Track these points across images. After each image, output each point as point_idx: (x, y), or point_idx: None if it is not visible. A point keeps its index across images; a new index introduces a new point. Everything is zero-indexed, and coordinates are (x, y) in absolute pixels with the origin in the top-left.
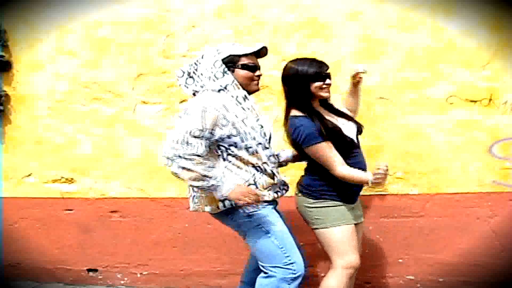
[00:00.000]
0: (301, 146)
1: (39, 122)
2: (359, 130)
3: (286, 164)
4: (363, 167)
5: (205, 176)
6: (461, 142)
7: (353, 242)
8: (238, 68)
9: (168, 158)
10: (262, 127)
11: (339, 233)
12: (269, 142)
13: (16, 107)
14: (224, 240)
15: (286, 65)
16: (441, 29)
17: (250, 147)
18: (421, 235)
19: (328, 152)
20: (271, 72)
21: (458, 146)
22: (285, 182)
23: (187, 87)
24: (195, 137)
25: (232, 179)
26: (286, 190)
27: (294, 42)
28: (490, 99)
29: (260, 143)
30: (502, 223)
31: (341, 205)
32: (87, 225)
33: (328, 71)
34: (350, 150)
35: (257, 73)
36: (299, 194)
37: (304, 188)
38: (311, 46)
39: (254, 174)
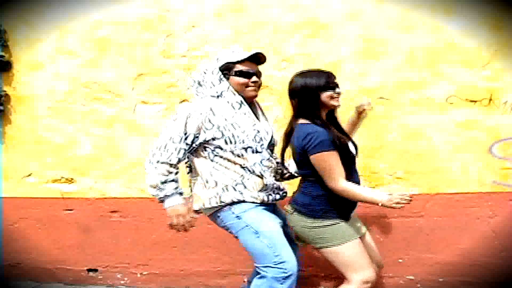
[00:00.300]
0: (307, 153)
1: (39, 122)
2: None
3: (290, 178)
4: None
5: (159, 188)
6: (461, 142)
7: (365, 255)
8: (233, 75)
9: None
10: (258, 131)
11: (348, 250)
12: (269, 148)
13: (16, 107)
14: (224, 240)
15: (292, 79)
16: (441, 29)
17: (235, 150)
18: (421, 235)
19: (336, 162)
20: (271, 72)
21: (458, 146)
22: (279, 187)
23: (197, 95)
24: (174, 142)
25: (221, 179)
26: (281, 195)
27: (294, 42)
28: (490, 99)
29: (249, 147)
30: (502, 223)
31: (339, 222)
32: (87, 225)
33: (336, 81)
34: (350, 166)
35: (253, 79)
36: (294, 213)
37: (302, 206)
38: (311, 46)
39: (242, 175)
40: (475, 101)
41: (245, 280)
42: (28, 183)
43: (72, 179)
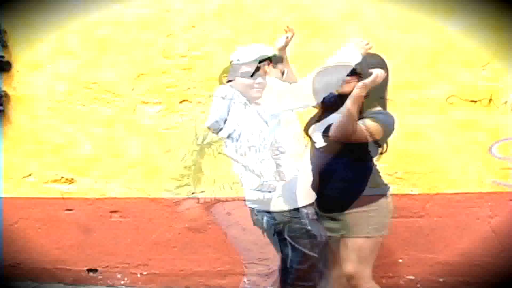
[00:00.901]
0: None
1: (39, 122)
2: None
3: None
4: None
5: None
6: (461, 142)
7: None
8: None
9: None
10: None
11: None
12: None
13: (16, 107)
14: (224, 240)
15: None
16: (441, 29)
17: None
18: (421, 235)
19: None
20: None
21: (458, 146)
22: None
23: None
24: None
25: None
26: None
27: (294, 42)
28: (490, 99)
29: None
30: (502, 223)
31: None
32: (87, 225)
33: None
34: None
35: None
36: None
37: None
38: (311, 46)
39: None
40: (475, 101)
41: (245, 280)
42: (28, 183)
43: (72, 179)
